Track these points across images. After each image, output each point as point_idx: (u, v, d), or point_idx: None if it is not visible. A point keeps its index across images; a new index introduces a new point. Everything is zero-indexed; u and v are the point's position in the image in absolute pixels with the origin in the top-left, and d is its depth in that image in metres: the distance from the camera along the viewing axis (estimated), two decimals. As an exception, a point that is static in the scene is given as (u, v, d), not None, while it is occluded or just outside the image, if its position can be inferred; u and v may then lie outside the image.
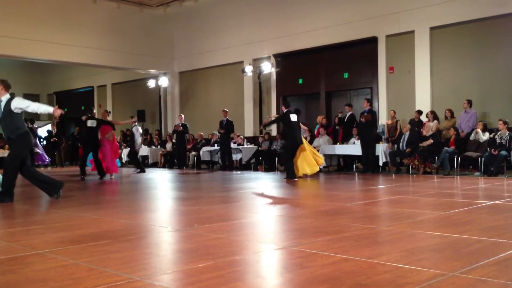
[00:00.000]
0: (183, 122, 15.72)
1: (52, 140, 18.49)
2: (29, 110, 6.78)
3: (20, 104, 6.70)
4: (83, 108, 20.10)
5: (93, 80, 23.06)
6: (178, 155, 16.01)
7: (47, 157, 17.41)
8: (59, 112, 6.81)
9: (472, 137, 10.95)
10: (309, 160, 10.51)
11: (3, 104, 6.74)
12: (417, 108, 12.75)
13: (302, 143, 10.62)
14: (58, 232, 4.54)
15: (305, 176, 10.60)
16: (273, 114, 16.58)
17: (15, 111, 6.69)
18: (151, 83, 19.86)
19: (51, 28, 16.42)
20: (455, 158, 10.88)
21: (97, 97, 23.35)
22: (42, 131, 20.07)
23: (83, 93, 23.56)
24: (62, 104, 24.54)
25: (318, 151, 11.61)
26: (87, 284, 2.70)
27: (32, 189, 7.53)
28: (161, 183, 10.55)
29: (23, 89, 24.71)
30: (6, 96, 6.80)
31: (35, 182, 6.93)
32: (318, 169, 10.76)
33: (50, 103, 25.86)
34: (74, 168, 15.76)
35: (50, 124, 22.94)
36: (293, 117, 10.67)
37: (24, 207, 6.29)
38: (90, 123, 11.21)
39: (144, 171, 13.53)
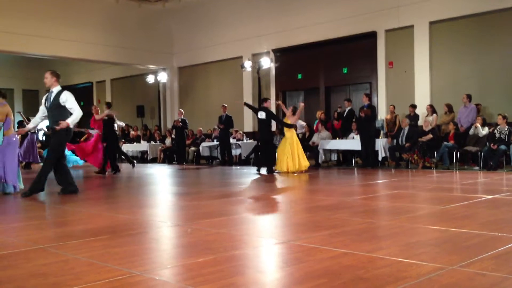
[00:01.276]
0: (182, 117, 15.71)
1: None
2: (74, 117, 6.82)
3: (68, 101, 6.79)
4: (82, 103, 20.05)
5: (92, 75, 23.03)
6: (178, 150, 16.01)
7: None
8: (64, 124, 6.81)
9: (471, 131, 10.96)
10: (294, 160, 10.63)
11: (53, 95, 6.88)
12: (416, 103, 12.75)
13: (263, 140, 10.96)
14: (59, 227, 4.56)
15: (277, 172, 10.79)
16: (272, 110, 16.60)
17: (63, 104, 6.81)
18: (150, 79, 19.83)
19: (50, 23, 16.38)
20: (454, 153, 10.89)
21: (96, 92, 23.31)
22: (42, 126, 19.95)
23: (82, 89, 23.51)
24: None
25: (316, 147, 11.57)
26: (88, 278, 2.71)
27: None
28: (161, 179, 10.56)
29: (22, 84, 24.69)
30: (57, 88, 6.94)
31: (63, 179, 6.94)
32: (295, 171, 10.68)
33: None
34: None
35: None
36: (260, 115, 10.82)
37: (25, 202, 6.30)
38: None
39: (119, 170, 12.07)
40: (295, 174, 10.36)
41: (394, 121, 12.81)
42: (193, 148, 16.15)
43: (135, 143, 18.17)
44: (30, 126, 7.49)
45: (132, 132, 19.15)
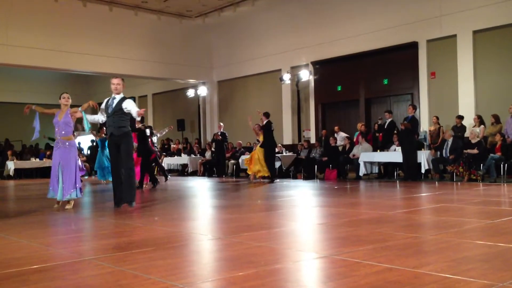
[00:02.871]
0: (222, 130, 15.85)
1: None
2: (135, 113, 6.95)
3: (130, 107, 6.97)
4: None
5: (135, 90, 23.62)
6: (217, 163, 16.14)
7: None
8: (142, 111, 7.07)
9: (519, 143, 10.57)
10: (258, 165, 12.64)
11: (115, 101, 7.01)
12: (460, 114, 12.41)
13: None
14: (104, 239, 4.66)
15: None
16: (312, 122, 16.54)
17: (125, 111, 6.96)
18: (191, 93, 20.16)
19: (94, 40, 16.96)
20: (501, 165, 10.51)
21: (138, 107, 23.84)
22: (86, 141, 20.60)
23: (125, 104, 24.11)
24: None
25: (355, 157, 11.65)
26: (132, 290, 2.75)
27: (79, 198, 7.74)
28: (201, 191, 10.65)
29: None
30: (121, 95, 7.10)
31: (124, 184, 6.91)
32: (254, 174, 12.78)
33: (93, 114, 26.69)
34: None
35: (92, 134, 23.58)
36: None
37: (70, 215, 6.48)
38: (149, 132, 11.46)
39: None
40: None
41: (437, 133, 12.50)
42: (232, 161, 16.25)
43: (175, 156, 18.44)
44: (88, 117, 7.31)
45: (172, 146, 19.47)
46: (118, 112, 6.93)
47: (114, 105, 6.97)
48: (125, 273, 3.18)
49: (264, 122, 12.67)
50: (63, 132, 7.02)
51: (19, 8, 15.61)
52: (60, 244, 4.39)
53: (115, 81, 7.07)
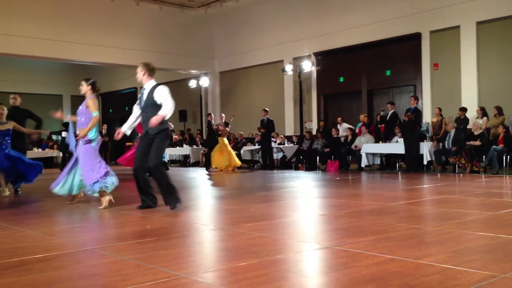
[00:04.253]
0: (224, 121, 15.84)
1: (102, 139, 18.98)
2: (165, 109, 5.59)
3: (161, 99, 5.62)
4: (126, 108, 20.61)
5: (136, 81, 23.54)
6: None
7: None
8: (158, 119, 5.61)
9: (522, 135, 10.55)
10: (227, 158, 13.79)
11: (145, 92, 5.77)
12: (463, 105, 12.38)
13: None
14: (107, 229, 4.68)
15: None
16: (314, 113, 16.53)
17: (159, 102, 5.62)
18: (192, 83, 20.13)
19: (95, 31, 16.90)
20: (504, 157, 10.49)
21: (140, 98, 23.88)
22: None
23: (126, 94, 24.12)
24: (106, 105, 25.34)
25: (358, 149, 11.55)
26: (135, 280, 2.77)
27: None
28: (203, 182, 10.67)
29: (71, 91, 25.56)
30: (151, 83, 5.80)
31: (160, 189, 5.78)
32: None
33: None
34: (118, 168, 16.16)
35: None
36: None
37: (73, 205, 6.50)
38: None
39: None
40: (231, 170, 13.59)
41: (440, 124, 12.47)
42: (234, 152, 16.24)
43: (177, 147, 18.45)
44: (124, 128, 6.13)
45: (174, 136, 19.47)
46: (150, 107, 5.66)
47: (144, 98, 5.76)
48: (128, 262, 3.20)
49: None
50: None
51: (21, -2, 15.57)
52: (63, 234, 4.41)
53: (137, 70, 5.93)
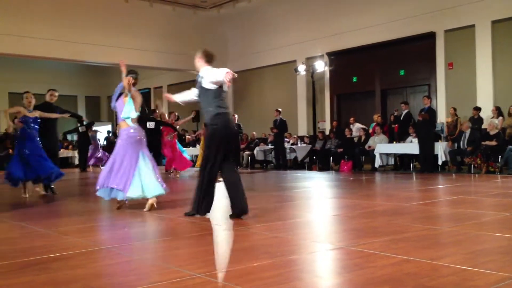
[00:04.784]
0: (237, 122, 15.87)
1: (114, 139, 19.11)
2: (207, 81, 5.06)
3: (205, 74, 5.11)
4: (140, 109, 20.67)
5: (150, 82, 23.73)
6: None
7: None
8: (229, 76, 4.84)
9: (539, 134, 10.40)
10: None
11: (198, 80, 5.26)
12: (479, 105, 12.24)
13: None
14: (122, 229, 4.71)
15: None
16: (327, 113, 16.48)
17: (208, 86, 5.06)
18: (205, 84, 20.19)
19: (109, 32, 17.03)
20: (520, 157, 10.36)
21: (153, 98, 24.03)
22: (103, 131, 20.74)
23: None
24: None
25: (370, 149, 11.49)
26: (151, 279, 2.79)
27: (92, 188, 7.80)
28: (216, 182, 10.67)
29: (85, 92, 25.85)
30: (203, 70, 5.26)
31: (231, 192, 5.06)
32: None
33: (109, 105, 26.96)
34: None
35: (110, 125, 23.83)
36: (149, 125, 11.10)
37: (89, 205, 6.56)
38: (149, 125, 11.43)
39: None
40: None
41: (455, 124, 12.34)
42: (247, 152, 16.27)
43: (190, 147, 18.51)
44: (176, 97, 5.70)
45: (187, 137, 19.54)
46: (201, 93, 5.15)
47: (197, 85, 5.27)
48: (143, 262, 3.22)
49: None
50: None
51: (34, -1, 15.74)
52: (78, 233, 4.45)
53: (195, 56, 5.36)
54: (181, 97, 5.64)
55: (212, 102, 5.02)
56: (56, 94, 8.32)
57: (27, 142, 7.47)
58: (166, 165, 12.58)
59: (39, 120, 7.69)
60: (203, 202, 5.07)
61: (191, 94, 5.46)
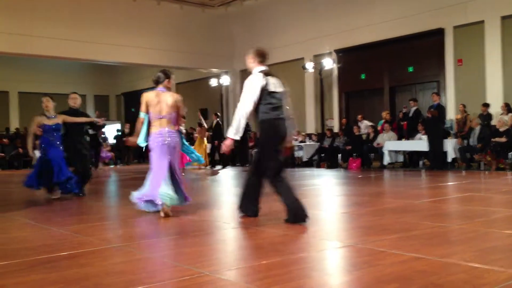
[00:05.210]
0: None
1: (125, 138, 19.15)
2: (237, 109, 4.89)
3: (244, 89, 4.84)
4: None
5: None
6: (240, 152, 16.19)
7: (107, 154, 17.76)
8: None
9: (549, 131, 10.31)
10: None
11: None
12: (488, 102, 12.15)
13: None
14: (132, 227, 4.74)
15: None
16: (335, 111, 16.43)
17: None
18: (213, 82, 20.22)
19: (117, 31, 17.11)
20: (530, 154, 10.28)
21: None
22: (112, 130, 20.81)
23: (148, 94, 24.34)
24: (129, 104, 25.62)
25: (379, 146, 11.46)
26: (160, 277, 2.80)
27: (102, 187, 7.86)
28: (224, 180, 10.71)
29: (94, 90, 25.97)
30: (256, 71, 4.86)
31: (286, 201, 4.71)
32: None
33: (118, 104, 27.13)
34: (140, 166, 16.34)
35: (119, 124, 23.91)
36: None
37: (98, 203, 6.61)
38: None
39: None
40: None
41: (464, 121, 12.26)
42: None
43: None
44: None
45: (195, 135, 19.58)
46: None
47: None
48: (153, 260, 3.24)
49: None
50: None
51: (44, -1, 15.85)
52: (88, 232, 4.48)
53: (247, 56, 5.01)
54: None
55: (260, 112, 4.96)
56: (77, 97, 7.69)
57: (49, 148, 7.11)
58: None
59: (60, 127, 7.24)
60: (246, 200, 4.91)
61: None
